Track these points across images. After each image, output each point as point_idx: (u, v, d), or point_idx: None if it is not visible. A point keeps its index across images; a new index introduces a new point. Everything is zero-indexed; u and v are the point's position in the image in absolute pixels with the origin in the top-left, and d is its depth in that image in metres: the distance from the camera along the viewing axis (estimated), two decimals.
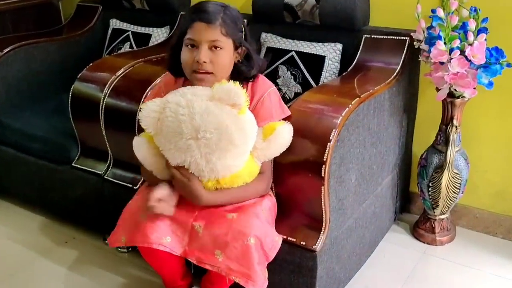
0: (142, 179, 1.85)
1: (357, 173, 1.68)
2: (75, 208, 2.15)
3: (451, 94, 1.80)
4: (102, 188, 2.00)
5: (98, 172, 2.00)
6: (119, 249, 2.02)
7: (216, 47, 1.43)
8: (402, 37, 1.92)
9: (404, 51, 1.89)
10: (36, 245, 2.10)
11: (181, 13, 2.44)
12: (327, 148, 1.46)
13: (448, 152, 1.86)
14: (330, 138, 1.47)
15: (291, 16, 2.12)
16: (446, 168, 1.87)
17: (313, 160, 1.48)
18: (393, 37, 1.94)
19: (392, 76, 1.82)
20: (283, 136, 1.49)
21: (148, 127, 1.40)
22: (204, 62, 1.41)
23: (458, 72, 1.68)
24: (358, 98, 1.60)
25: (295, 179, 1.55)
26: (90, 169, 2.02)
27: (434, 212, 2.02)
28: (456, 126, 1.85)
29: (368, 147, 1.72)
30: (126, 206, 1.57)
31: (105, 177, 1.98)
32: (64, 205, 2.19)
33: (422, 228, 2.07)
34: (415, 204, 2.23)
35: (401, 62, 1.88)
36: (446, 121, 1.87)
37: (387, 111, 1.81)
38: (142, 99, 1.84)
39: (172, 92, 1.43)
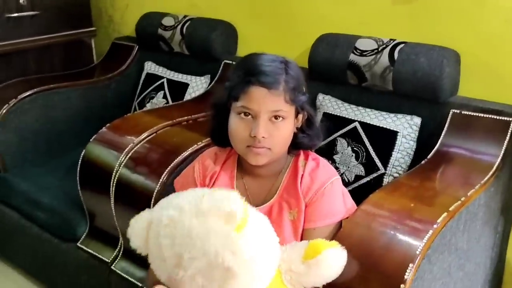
0: None
1: None
2: None
3: None
4: (108, 279, 1.62)
5: (105, 259, 1.63)
6: None
7: (277, 117, 1.10)
8: (505, 118, 1.45)
9: (508, 137, 1.42)
10: None
11: (225, 61, 2.06)
12: None
13: None
14: (405, 277, 1.02)
15: (357, 77, 1.69)
16: None
17: None
18: (492, 116, 1.47)
19: (490, 173, 1.35)
20: (328, 264, 1.06)
21: (139, 248, 1.05)
22: (263, 137, 1.08)
23: None
24: (446, 214, 1.14)
25: None
26: (96, 254, 1.65)
27: None
28: None
29: (453, 272, 1.25)
30: None
31: (111, 267, 1.60)
32: None
33: None
34: None
35: (502, 152, 1.40)
36: None
37: (480, 220, 1.34)
38: (164, 175, 1.48)
39: (162, 201, 1.07)
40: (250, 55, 1.16)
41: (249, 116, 1.10)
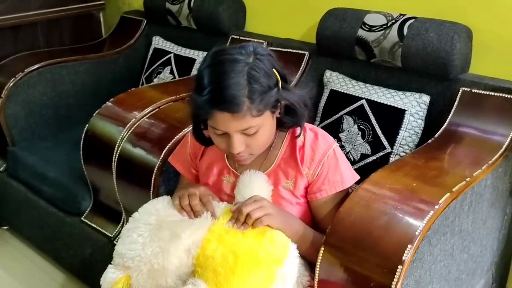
0: None
1: None
2: (84, 267, 1.80)
3: None
4: (111, 253, 1.62)
5: (108, 234, 1.63)
6: None
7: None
8: None
9: None
10: None
11: (232, 35, 2.02)
12: (397, 273, 0.99)
13: None
14: (403, 258, 1.00)
15: (365, 53, 1.64)
16: None
17: (375, 286, 1.02)
18: (504, 95, 1.42)
19: (499, 153, 1.30)
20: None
21: None
22: (240, 151, 1.11)
23: None
24: (449, 194, 1.11)
25: None
26: (99, 228, 1.66)
27: None
28: None
29: (457, 255, 1.22)
30: None
31: (114, 242, 1.61)
32: (73, 261, 1.84)
33: None
34: None
35: None
36: None
37: (487, 201, 1.31)
38: (165, 151, 1.46)
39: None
40: (211, 65, 1.06)
41: (224, 133, 1.08)
